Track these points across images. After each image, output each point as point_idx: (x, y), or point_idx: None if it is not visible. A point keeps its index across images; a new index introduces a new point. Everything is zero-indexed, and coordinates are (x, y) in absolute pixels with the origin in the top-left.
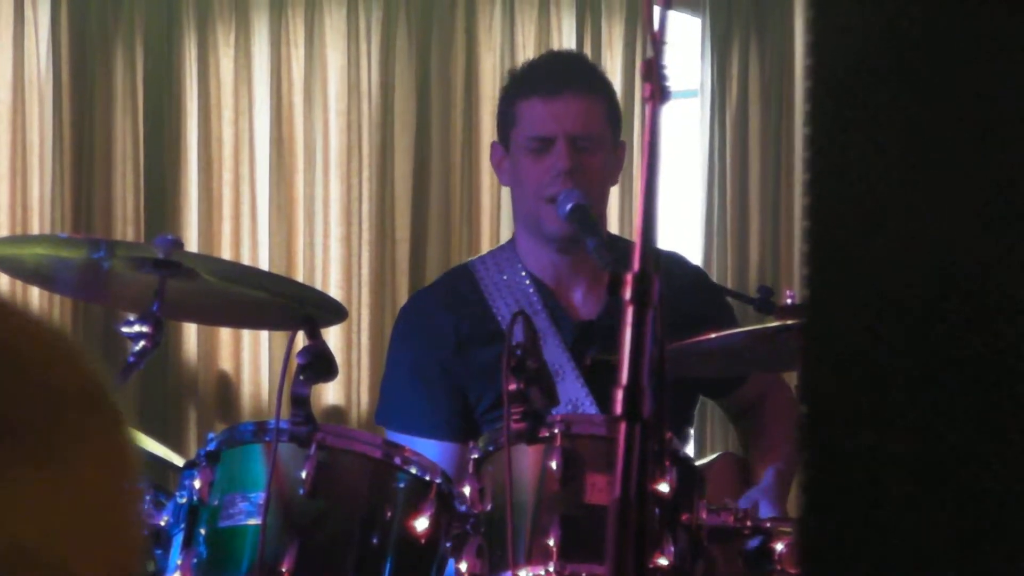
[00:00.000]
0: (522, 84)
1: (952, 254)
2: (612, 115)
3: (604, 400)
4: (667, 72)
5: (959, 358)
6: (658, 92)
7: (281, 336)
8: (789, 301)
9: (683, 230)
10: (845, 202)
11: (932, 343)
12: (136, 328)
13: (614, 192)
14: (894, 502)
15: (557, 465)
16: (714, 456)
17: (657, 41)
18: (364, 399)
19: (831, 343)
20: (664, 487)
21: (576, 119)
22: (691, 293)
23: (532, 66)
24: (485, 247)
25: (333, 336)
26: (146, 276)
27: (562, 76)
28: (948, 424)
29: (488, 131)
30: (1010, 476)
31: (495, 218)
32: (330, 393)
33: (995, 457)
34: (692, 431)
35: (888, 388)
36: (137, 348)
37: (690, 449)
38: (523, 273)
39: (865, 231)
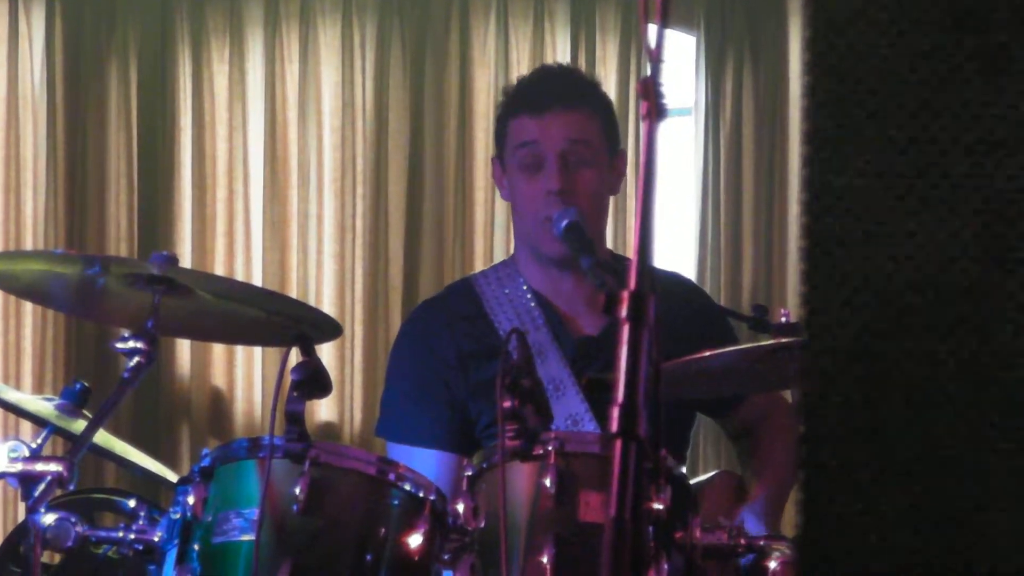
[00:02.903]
0: (512, 102)
1: (949, 270)
2: (606, 126)
3: (604, 415)
4: (664, 90)
5: (957, 371)
6: (655, 110)
7: (274, 353)
8: (784, 320)
9: (676, 248)
10: (843, 221)
11: (930, 357)
12: (131, 345)
13: (610, 210)
14: (891, 517)
15: (551, 483)
16: (712, 474)
17: (654, 59)
18: (357, 416)
19: (829, 360)
20: (659, 505)
21: (565, 135)
22: (692, 314)
23: (522, 83)
24: (479, 264)
25: (326, 353)
26: (141, 293)
27: (550, 92)
28: (947, 438)
29: (482, 147)
30: (1009, 488)
31: (488, 235)
32: (323, 410)
33: (993, 470)
34: (688, 452)
35: (887, 403)
36: (132, 365)
37: (684, 468)
38: (524, 288)
39: (863, 249)
